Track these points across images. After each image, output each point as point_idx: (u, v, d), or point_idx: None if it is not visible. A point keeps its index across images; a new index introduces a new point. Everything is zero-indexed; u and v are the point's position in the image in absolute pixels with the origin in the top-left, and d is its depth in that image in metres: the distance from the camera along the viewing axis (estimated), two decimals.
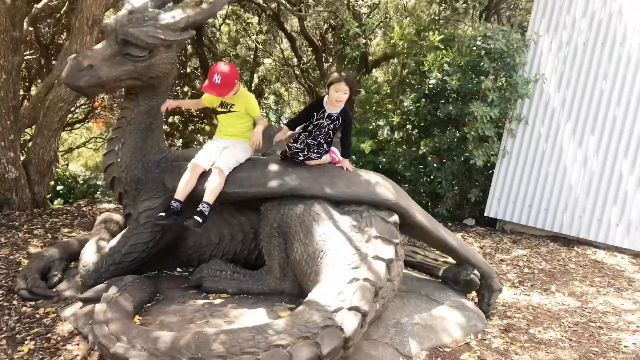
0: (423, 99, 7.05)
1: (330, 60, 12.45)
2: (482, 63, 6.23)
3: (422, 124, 7.20)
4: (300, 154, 3.38)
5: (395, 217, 3.32)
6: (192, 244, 3.68)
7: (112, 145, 3.64)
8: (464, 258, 3.77)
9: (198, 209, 3.22)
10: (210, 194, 3.24)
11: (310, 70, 14.30)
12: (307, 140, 3.38)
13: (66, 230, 5.32)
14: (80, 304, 3.21)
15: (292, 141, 3.48)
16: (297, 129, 3.51)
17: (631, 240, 5.99)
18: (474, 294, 4.01)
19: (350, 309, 2.54)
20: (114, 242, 3.50)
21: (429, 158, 7.30)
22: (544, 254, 5.80)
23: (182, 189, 3.32)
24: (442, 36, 7.13)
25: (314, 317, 2.46)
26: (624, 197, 6.13)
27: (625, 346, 3.44)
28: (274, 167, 3.43)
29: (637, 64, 6.15)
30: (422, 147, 7.21)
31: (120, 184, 3.67)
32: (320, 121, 3.43)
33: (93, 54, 3.20)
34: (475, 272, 3.74)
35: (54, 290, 3.50)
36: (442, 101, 6.66)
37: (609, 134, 6.28)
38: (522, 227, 6.87)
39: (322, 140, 3.42)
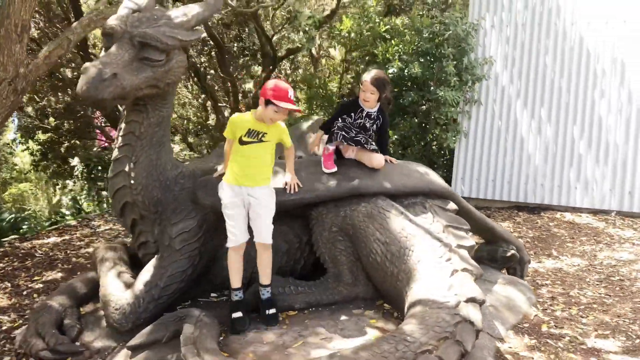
0: None
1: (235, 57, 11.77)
2: (441, 50, 6.40)
3: None
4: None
5: (452, 205, 3.28)
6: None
7: (121, 166, 3.13)
8: (500, 236, 3.83)
9: (264, 298, 2.89)
10: (266, 275, 2.94)
11: (209, 69, 13.45)
12: (347, 129, 3.20)
13: (26, 275, 4.57)
14: (126, 353, 2.72)
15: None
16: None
17: (589, 198, 6.54)
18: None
19: (467, 301, 2.43)
20: (146, 276, 3.02)
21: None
22: (522, 223, 6.12)
23: (235, 275, 2.95)
24: (388, 27, 7.23)
25: (443, 316, 2.31)
26: (578, 160, 6.67)
27: None
28: (319, 168, 3.20)
29: (573, 37, 6.72)
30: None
31: (134, 209, 3.18)
32: (360, 121, 3.25)
33: (113, 61, 2.71)
34: (512, 247, 3.81)
35: (78, 343, 2.94)
36: (404, 89, 6.74)
37: (557, 103, 6.79)
38: (487, 202, 7.20)
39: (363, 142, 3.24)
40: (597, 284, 3.95)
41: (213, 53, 11.55)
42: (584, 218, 6.22)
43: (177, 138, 14.84)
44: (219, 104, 12.44)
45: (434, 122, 6.67)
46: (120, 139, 3.13)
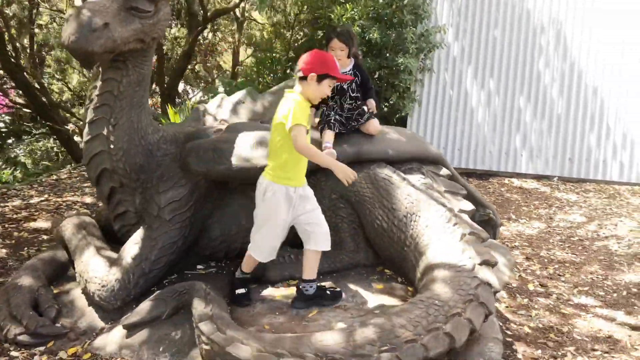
0: None
1: None
2: (399, 16, 6.36)
3: None
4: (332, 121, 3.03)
5: (445, 170, 3.30)
6: (217, 233, 3.10)
7: (98, 129, 2.79)
8: (479, 200, 3.93)
9: (308, 294, 2.55)
10: (311, 270, 2.58)
11: None
12: (332, 115, 3.06)
13: None
14: (121, 332, 2.49)
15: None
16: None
17: (534, 165, 6.95)
18: None
19: (481, 264, 2.47)
20: (134, 249, 2.77)
21: None
22: (475, 189, 6.38)
23: (252, 264, 2.69)
24: None
25: (464, 279, 2.32)
26: (524, 129, 7.03)
27: (615, 250, 4.02)
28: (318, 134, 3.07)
29: (521, 11, 6.96)
30: None
31: (114, 177, 2.88)
32: (336, 85, 3.09)
33: (101, 9, 2.36)
34: (489, 211, 3.94)
35: (60, 324, 2.65)
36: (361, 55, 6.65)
37: (506, 74, 7.06)
38: None
39: (350, 106, 3.13)
40: (561, 245, 4.21)
41: None
42: (530, 183, 6.61)
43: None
44: None
45: (390, 90, 6.68)
46: (96, 98, 2.78)
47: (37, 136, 13.36)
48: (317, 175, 3.02)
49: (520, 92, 7.02)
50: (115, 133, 2.80)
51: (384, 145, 3.08)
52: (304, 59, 2.51)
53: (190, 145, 2.95)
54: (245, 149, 2.89)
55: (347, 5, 6.85)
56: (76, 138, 12.06)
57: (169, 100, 9.35)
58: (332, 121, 3.01)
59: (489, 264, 2.50)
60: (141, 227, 2.88)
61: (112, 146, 2.80)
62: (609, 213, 5.16)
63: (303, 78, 2.47)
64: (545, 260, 3.81)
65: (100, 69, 2.76)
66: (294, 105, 2.40)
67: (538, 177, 6.86)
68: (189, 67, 12.41)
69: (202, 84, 13.89)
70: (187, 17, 10.28)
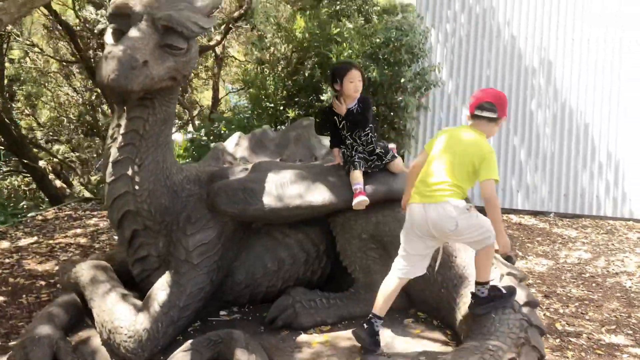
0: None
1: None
2: (397, 55, 6.49)
3: None
4: (355, 160, 2.97)
5: None
6: (242, 277, 2.99)
7: (123, 169, 2.69)
8: None
9: (479, 293, 2.42)
10: (484, 271, 2.46)
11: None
12: (354, 154, 3.00)
13: None
14: None
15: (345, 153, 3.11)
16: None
17: (530, 201, 7.04)
18: None
19: (524, 305, 2.46)
20: (161, 295, 2.63)
21: None
22: None
23: (383, 303, 2.51)
24: (338, 29, 7.19)
25: (512, 322, 2.31)
26: (520, 167, 7.15)
27: (630, 287, 4.05)
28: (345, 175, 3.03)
29: (512, 54, 7.21)
30: None
31: (137, 219, 2.76)
32: (344, 121, 3.05)
33: (140, 46, 2.31)
34: None
35: None
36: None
37: None
38: None
39: (367, 138, 3.06)
40: (574, 281, 4.21)
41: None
42: (528, 219, 6.67)
43: (62, 138, 13.57)
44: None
45: (389, 127, 6.74)
46: (120, 137, 2.69)
47: (5, 173, 12.94)
48: (346, 214, 2.97)
49: (515, 131, 7.19)
50: (141, 174, 2.70)
51: None
52: (497, 98, 2.42)
53: (218, 185, 2.88)
54: (276, 188, 2.83)
55: (344, 44, 6.97)
56: (52, 176, 11.73)
57: None
58: (356, 160, 2.97)
59: (531, 305, 2.47)
60: (167, 272, 2.75)
61: (136, 187, 2.70)
62: (612, 249, 5.22)
63: (494, 119, 2.41)
64: (564, 298, 3.79)
65: (125, 107, 2.69)
66: (494, 155, 2.37)
67: (534, 213, 6.94)
68: None
69: (178, 122, 13.75)
70: None
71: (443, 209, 2.31)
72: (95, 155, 13.43)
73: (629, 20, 6.89)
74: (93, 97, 12.57)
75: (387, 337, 2.62)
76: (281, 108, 7.59)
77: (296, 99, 7.39)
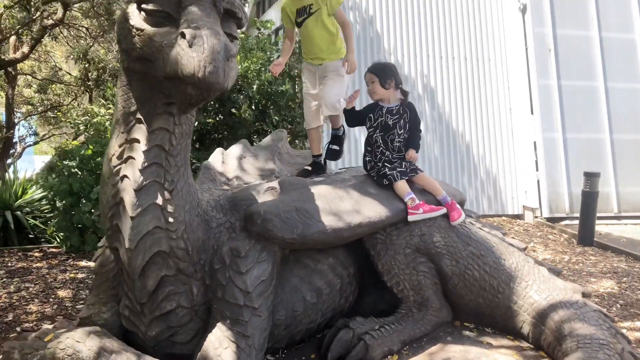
0: None
1: None
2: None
3: None
4: (387, 172, 2.88)
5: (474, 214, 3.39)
6: (282, 317, 2.52)
7: (150, 197, 2.10)
8: None
9: None
10: None
11: None
12: (380, 153, 2.95)
13: None
14: None
15: (367, 159, 2.99)
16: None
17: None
18: None
19: (583, 296, 2.61)
20: (227, 356, 2.09)
21: None
22: None
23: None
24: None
25: (591, 315, 2.40)
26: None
27: None
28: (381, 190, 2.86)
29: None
30: None
31: (169, 262, 2.18)
32: (381, 119, 2.98)
33: (221, 31, 1.80)
34: None
35: None
36: None
37: None
38: None
39: (398, 144, 3.00)
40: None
41: None
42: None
43: None
44: None
45: None
46: (141, 156, 2.10)
47: None
48: (386, 230, 2.77)
49: None
50: (174, 201, 2.15)
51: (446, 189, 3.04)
52: None
53: (262, 210, 2.40)
54: (330, 206, 2.54)
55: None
56: None
57: None
58: (395, 172, 2.85)
59: (587, 295, 2.62)
60: (218, 324, 2.20)
61: (171, 219, 2.13)
62: (528, 242, 5.83)
63: None
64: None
65: (144, 118, 2.11)
66: None
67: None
68: None
69: None
70: None
71: None
72: None
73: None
74: None
75: (460, 350, 2.49)
76: None
77: None
